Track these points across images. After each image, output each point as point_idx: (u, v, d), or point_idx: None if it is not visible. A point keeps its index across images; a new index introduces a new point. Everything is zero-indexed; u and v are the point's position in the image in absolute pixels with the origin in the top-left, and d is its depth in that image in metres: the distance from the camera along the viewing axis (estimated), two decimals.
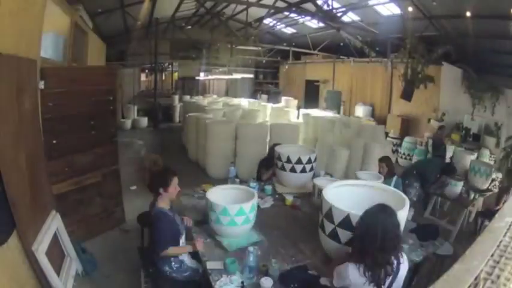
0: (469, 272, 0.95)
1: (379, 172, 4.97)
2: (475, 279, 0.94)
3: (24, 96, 3.23)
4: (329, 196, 2.87)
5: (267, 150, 6.38)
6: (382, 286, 2.09)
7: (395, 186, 4.32)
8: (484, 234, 1.15)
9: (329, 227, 2.74)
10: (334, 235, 2.70)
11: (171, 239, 3.04)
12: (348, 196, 3.20)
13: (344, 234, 2.62)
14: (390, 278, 2.11)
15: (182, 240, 3.20)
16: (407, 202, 2.77)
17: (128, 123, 14.97)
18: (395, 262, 2.12)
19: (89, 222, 4.87)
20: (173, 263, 3.08)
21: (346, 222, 2.59)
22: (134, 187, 7.10)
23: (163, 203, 3.13)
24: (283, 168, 4.65)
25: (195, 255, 3.21)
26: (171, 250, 3.03)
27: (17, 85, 3.03)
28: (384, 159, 5.08)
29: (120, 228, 5.37)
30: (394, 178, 4.88)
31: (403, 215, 2.67)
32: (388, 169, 4.98)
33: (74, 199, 4.59)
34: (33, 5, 3.43)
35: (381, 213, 2.17)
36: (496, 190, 7.22)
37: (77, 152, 4.59)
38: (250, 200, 3.29)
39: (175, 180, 3.15)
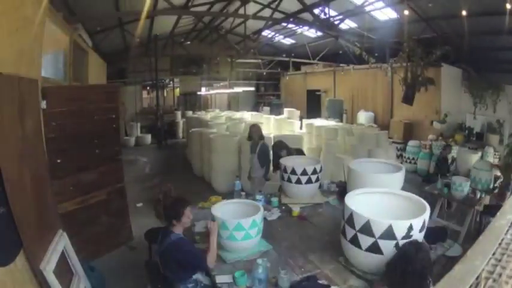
0: (471, 272, 0.95)
1: None
2: (477, 278, 0.94)
3: (26, 116, 3.26)
4: (351, 202, 2.90)
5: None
6: None
7: None
8: (486, 233, 1.14)
9: (350, 233, 2.76)
10: (354, 240, 2.73)
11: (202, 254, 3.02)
12: (368, 202, 3.22)
13: (364, 240, 2.65)
14: None
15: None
16: (428, 208, 2.77)
17: (132, 140, 15.10)
18: None
19: (96, 240, 4.87)
20: (188, 284, 3.00)
21: (366, 228, 2.62)
22: (140, 204, 7.11)
23: (178, 230, 3.06)
24: (289, 180, 4.59)
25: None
26: (211, 258, 2.99)
27: (19, 105, 3.05)
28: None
29: (127, 245, 5.37)
30: None
31: (425, 220, 2.69)
32: None
33: (80, 218, 4.60)
34: (32, 25, 3.47)
35: (418, 252, 2.24)
36: None
37: (81, 171, 4.62)
38: (257, 211, 3.31)
39: (187, 211, 3.10)
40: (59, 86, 4.89)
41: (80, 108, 4.54)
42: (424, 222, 2.66)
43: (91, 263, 4.36)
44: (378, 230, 2.57)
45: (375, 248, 2.60)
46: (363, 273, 2.80)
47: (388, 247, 2.55)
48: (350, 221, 2.75)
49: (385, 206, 3.21)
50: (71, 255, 3.87)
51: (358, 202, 3.05)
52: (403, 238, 2.54)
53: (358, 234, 2.67)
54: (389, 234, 2.54)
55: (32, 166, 3.30)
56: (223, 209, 3.57)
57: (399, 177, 4.00)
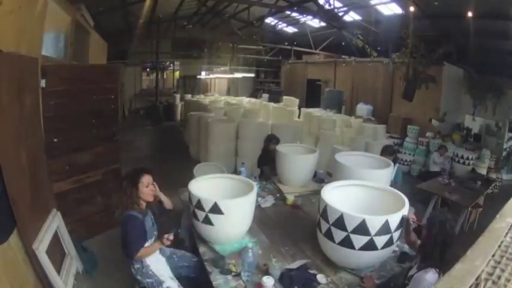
0: (470, 273, 0.95)
1: None
2: (476, 279, 0.94)
3: (25, 94, 3.23)
4: (327, 196, 2.86)
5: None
6: None
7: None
8: (485, 235, 1.14)
9: (325, 226, 2.74)
10: (329, 234, 2.71)
11: (142, 241, 2.91)
12: (346, 195, 3.20)
13: (337, 234, 2.63)
14: None
15: (148, 244, 3.00)
16: (407, 202, 2.79)
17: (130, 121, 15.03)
18: None
19: (90, 220, 4.86)
20: (136, 265, 2.93)
21: (340, 222, 2.60)
22: None
23: (140, 205, 3.02)
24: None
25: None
26: (143, 251, 2.90)
27: (18, 83, 3.03)
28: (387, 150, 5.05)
29: None
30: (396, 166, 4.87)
31: (403, 215, 2.68)
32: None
33: (75, 198, 4.59)
34: (35, 4, 3.42)
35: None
36: (497, 191, 7.21)
37: (77, 151, 4.60)
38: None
39: (145, 179, 3.00)
40: (59, 65, 4.83)
41: (78, 87, 4.49)
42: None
43: (84, 243, 4.36)
44: (350, 225, 2.56)
45: (347, 242, 2.60)
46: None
47: (359, 242, 2.56)
48: (324, 214, 2.74)
49: (365, 200, 3.19)
50: (64, 234, 3.88)
51: (335, 195, 3.04)
52: (377, 234, 2.54)
53: (332, 228, 2.67)
54: (363, 229, 2.54)
55: (28, 145, 3.29)
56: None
57: (386, 173, 3.95)
